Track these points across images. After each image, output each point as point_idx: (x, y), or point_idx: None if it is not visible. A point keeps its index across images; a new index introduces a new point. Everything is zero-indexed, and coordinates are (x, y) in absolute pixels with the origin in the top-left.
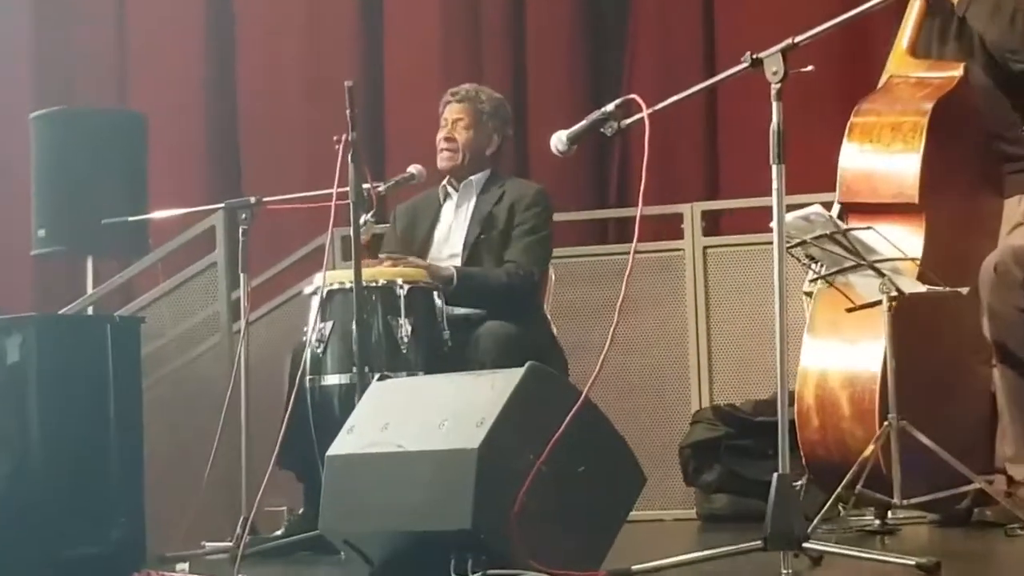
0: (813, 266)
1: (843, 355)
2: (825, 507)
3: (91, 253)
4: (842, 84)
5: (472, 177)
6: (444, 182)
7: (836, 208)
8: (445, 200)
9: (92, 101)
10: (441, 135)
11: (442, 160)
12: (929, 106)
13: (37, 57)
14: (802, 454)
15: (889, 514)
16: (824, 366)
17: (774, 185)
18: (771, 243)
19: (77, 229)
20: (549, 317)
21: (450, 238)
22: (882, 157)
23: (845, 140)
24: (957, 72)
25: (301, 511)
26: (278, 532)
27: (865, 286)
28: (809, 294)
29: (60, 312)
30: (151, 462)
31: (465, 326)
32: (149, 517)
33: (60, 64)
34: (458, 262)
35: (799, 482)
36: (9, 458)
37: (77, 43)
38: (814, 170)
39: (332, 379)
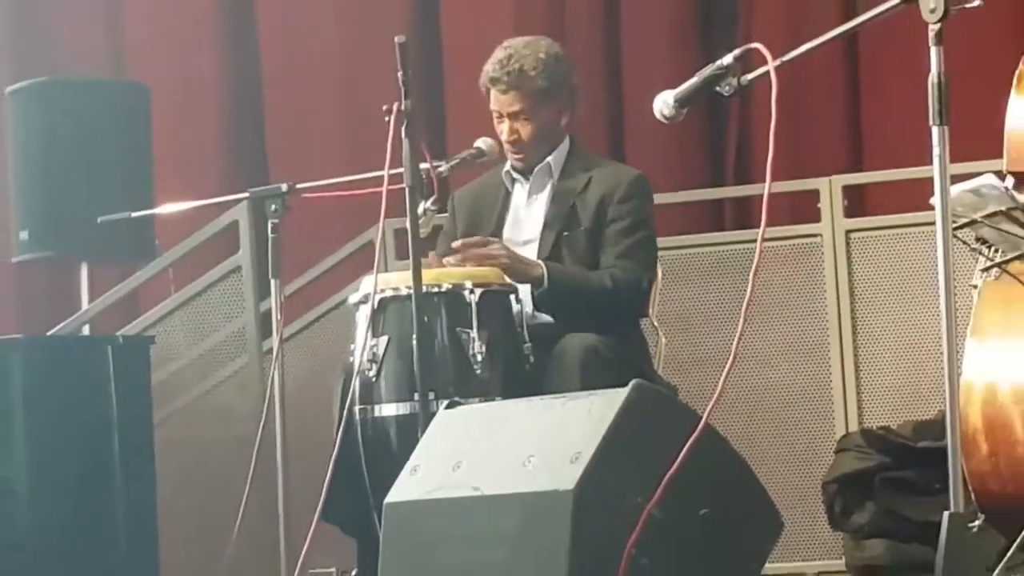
0: (985, 251)
1: (1016, 362)
2: (1009, 554)
3: (85, 259)
4: (1019, 22)
5: (548, 158)
6: (507, 167)
7: (1009, 181)
8: (514, 185)
9: (82, 70)
10: (502, 134)
11: (513, 161)
12: None
13: (13, 17)
14: (971, 488)
15: None
16: (992, 377)
17: (935, 151)
18: (932, 224)
19: (67, 230)
20: (656, 324)
21: (521, 234)
22: None
23: (1013, 93)
24: None
25: (355, 573)
26: None
27: None
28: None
29: (49, 333)
30: (165, 516)
31: (547, 338)
32: None
33: (41, 26)
34: None
35: (975, 522)
36: None
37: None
38: (984, 132)
39: (388, 408)
